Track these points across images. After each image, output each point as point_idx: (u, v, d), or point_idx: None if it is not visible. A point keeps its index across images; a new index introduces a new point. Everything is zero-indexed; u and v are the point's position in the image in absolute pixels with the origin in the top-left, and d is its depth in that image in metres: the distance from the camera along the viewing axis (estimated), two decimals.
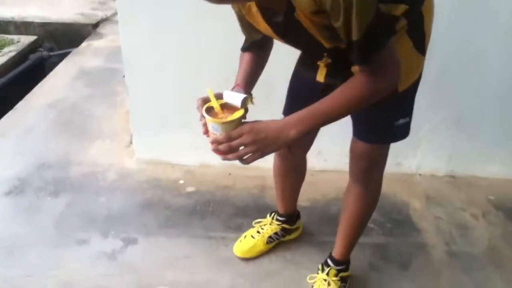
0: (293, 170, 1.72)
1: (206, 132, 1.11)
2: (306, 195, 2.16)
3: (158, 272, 1.77)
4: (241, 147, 1.05)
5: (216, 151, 1.06)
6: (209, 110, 1.09)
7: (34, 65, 3.90)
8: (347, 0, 0.87)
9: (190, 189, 2.25)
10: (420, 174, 2.40)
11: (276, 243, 1.86)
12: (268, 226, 1.84)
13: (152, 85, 2.23)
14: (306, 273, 1.71)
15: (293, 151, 1.56)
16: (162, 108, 2.29)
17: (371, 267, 1.83)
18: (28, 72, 3.77)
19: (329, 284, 1.61)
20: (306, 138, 1.50)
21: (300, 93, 1.41)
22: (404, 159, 2.36)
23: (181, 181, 2.31)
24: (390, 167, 2.36)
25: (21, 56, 3.88)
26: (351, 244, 1.64)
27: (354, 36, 0.92)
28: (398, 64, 1.02)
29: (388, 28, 1.03)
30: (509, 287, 1.76)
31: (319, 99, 1.05)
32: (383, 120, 1.31)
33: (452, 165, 2.37)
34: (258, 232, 1.83)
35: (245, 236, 1.85)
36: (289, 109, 1.46)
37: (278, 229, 1.84)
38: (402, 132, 1.35)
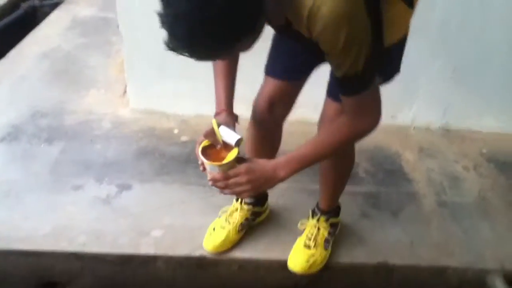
0: (269, 138, 1.60)
1: (204, 169, 1.20)
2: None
3: (153, 216, 1.79)
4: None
5: (214, 186, 1.18)
6: (205, 150, 1.21)
7: (26, 14, 3.80)
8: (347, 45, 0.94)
9: (184, 138, 2.25)
10: (414, 127, 2.41)
11: (246, 230, 1.72)
12: (237, 213, 1.69)
13: (147, 33, 2.18)
14: (299, 218, 1.74)
15: (273, 110, 1.48)
16: (157, 58, 2.25)
17: (362, 214, 1.86)
18: (19, 22, 3.68)
19: (318, 229, 1.64)
20: (289, 98, 1.50)
21: (286, 50, 1.40)
22: (399, 112, 2.36)
23: (176, 131, 2.31)
24: (385, 119, 2.37)
25: (12, 4, 3.78)
26: (334, 197, 1.65)
27: (345, 71, 1.00)
28: (379, 103, 1.10)
29: (378, 65, 1.06)
30: (496, 235, 1.81)
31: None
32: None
33: (447, 118, 2.38)
34: (228, 221, 1.68)
35: (214, 229, 1.68)
36: (272, 66, 1.45)
37: (248, 214, 1.70)
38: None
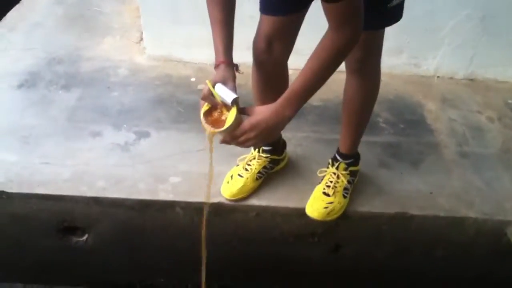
0: (274, 81, 1.51)
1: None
2: (319, 96, 2.10)
3: (171, 163, 1.80)
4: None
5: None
6: (208, 113, 1.22)
7: None
8: None
9: (201, 86, 2.22)
10: (438, 77, 2.34)
11: (264, 178, 1.71)
12: (255, 161, 1.68)
13: None
14: (317, 167, 1.72)
15: (272, 50, 1.42)
16: (173, 3, 2.19)
17: (381, 164, 1.84)
18: None
19: (338, 177, 1.63)
20: (287, 35, 1.43)
21: None
22: (423, 60, 2.29)
23: (193, 79, 2.28)
24: (408, 68, 2.32)
25: None
26: (356, 136, 1.62)
27: None
28: (359, 12, 1.07)
29: None
30: None
31: None
32: (377, 3, 1.24)
33: (472, 67, 2.29)
34: (246, 169, 1.67)
35: (231, 176, 1.68)
36: (266, 3, 1.38)
37: (266, 162, 1.69)
38: (396, 15, 1.31)
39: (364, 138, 1.67)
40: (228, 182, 1.68)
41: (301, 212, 1.62)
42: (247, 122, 1.16)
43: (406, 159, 1.86)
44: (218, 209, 1.67)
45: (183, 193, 1.68)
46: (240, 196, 1.66)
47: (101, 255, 1.81)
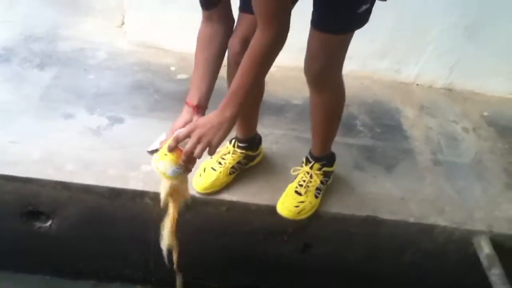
0: None
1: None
2: (300, 94, 2.13)
3: (144, 151, 1.74)
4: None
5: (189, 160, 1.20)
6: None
7: None
8: None
9: (181, 76, 2.19)
10: (417, 84, 2.35)
11: (238, 173, 1.69)
12: (229, 155, 1.66)
13: None
14: (292, 165, 1.70)
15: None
16: None
17: (356, 166, 1.84)
18: None
19: (311, 176, 1.62)
20: None
21: None
22: (405, 66, 2.30)
23: (173, 68, 2.24)
24: (389, 73, 2.34)
25: None
26: (325, 142, 1.62)
27: None
28: (285, 11, 1.12)
29: None
30: (488, 198, 1.79)
31: None
32: (346, 9, 1.24)
33: (452, 77, 2.32)
34: (219, 163, 1.65)
35: (204, 169, 1.65)
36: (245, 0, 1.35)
37: (241, 158, 1.68)
38: (363, 20, 1.29)
39: (340, 139, 1.67)
40: (200, 175, 1.65)
41: (272, 210, 1.60)
42: (190, 124, 1.20)
43: (381, 163, 1.87)
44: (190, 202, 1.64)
45: (154, 182, 1.64)
46: (211, 190, 1.63)
47: (66, 242, 1.76)
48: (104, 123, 1.85)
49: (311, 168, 1.62)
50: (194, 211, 1.65)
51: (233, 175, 1.68)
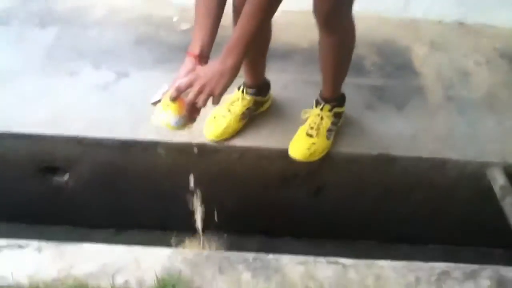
0: None
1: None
2: (306, 38, 2.09)
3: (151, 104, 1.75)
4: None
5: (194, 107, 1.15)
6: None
7: None
8: None
9: (184, 26, 2.15)
10: (426, 20, 2.28)
11: (247, 120, 1.69)
12: (239, 102, 1.65)
13: None
14: (301, 109, 1.69)
15: None
16: None
17: (367, 106, 1.81)
18: None
19: (322, 118, 1.61)
20: None
21: None
22: (413, 1, 2.22)
23: (175, 19, 2.20)
24: (397, 11, 2.26)
25: None
26: (335, 85, 1.60)
27: None
28: None
29: None
30: (501, 130, 1.76)
31: None
32: None
33: (462, 10, 2.24)
34: (229, 110, 1.64)
35: (214, 117, 1.65)
36: None
37: (251, 104, 1.67)
38: None
39: (350, 80, 1.64)
40: (210, 123, 1.65)
41: (284, 153, 1.60)
42: (191, 73, 1.15)
43: (392, 102, 1.84)
44: (201, 150, 1.65)
45: (166, 133, 1.65)
46: (223, 137, 1.64)
47: (83, 196, 1.79)
48: (110, 78, 1.84)
49: (321, 110, 1.61)
50: (206, 159, 1.66)
51: (243, 122, 1.67)
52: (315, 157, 1.59)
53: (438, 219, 1.85)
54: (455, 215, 1.82)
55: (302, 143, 1.58)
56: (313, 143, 1.58)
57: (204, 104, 1.14)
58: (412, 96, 1.88)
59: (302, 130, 1.61)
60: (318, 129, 1.60)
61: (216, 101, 1.15)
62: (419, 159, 1.66)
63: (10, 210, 1.80)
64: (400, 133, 1.72)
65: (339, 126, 1.68)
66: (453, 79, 1.97)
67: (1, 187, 1.77)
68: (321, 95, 1.62)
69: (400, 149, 1.67)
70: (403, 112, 1.81)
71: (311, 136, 1.59)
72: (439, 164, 1.67)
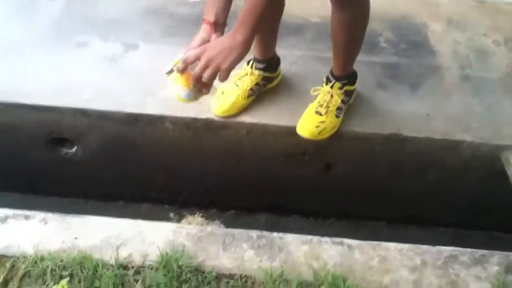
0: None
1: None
2: (317, 12, 2.03)
3: (161, 77, 1.72)
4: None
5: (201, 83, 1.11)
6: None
7: None
8: None
9: None
10: None
11: (255, 96, 1.65)
12: (247, 77, 1.61)
13: None
14: (311, 86, 1.65)
15: None
16: None
17: (379, 85, 1.77)
18: None
19: (332, 96, 1.56)
20: None
21: None
22: None
23: None
24: None
25: None
26: (347, 63, 1.55)
27: None
28: None
29: None
30: None
31: None
32: None
33: None
34: (237, 85, 1.61)
35: (222, 92, 1.61)
36: None
37: (259, 79, 1.63)
38: None
39: (363, 58, 1.60)
40: (218, 98, 1.62)
41: (293, 131, 1.58)
42: (201, 47, 1.10)
43: (405, 81, 1.79)
44: (208, 125, 1.62)
45: (173, 107, 1.63)
46: (230, 113, 1.61)
47: (92, 167, 1.79)
48: (118, 50, 1.82)
49: (331, 87, 1.57)
50: (213, 135, 1.64)
51: (251, 98, 1.64)
52: (324, 136, 1.56)
53: (449, 201, 1.81)
54: (467, 197, 1.79)
55: (310, 121, 1.55)
56: (322, 121, 1.54)
57: (210, 79, 1.09)
58: (426, 75, 1.83)
59: (311, 108, 1.58)
60: (327, 107, 1.56)
61: (223, 77, 1.10)
62: (432, 140, 1.62)
63: (18, 180, 1.81)
64: (412, 113, 1.68)
65: (350, 104, 1.64)
66: (470, 58, 1.91)
67: (10, 158, 1.77)
68: (331, 72, 1.58)
69: (412, 130, 1.63)
70: (416, 91, 1.76)
71: (320, 114, 1.55)
72: (452, 146, 1.63)
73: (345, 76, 1.57)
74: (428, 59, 1.90)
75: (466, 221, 1.87)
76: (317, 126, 1.54)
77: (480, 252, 1.28)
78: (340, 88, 1.57)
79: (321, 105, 1.56)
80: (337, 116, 1.58)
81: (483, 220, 1.85)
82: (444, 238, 1.88)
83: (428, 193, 1.78)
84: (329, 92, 1.57)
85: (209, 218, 1.71)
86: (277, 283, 1.15)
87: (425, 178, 1.73)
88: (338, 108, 1.58)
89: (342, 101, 1.58)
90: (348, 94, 1.60)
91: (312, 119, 1.55)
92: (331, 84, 1.57)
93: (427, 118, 1.67)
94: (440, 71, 1.85)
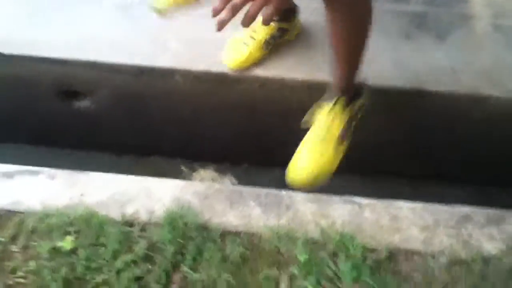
0: None
1: None
2: None
3: (173, 28, 1.66)
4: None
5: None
6: None
7: None
8: None
9: None
10: None
11: (271, 48, 1.55)
12: (262, 28, 1.52)
13: None
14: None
15: None
16: None
17: (404, 35, 1.65)
18: None
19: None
20: None
21: None
22: None
23: None
24: None
25: None
26: (348, 73, 1.33)
27: None
28: None
29: None
30: None
31: None
32: None
33: None
34: (252, 37, 1.52)
35: (235, 44, 1.55)
36: None
37: (275, 30, 1.53)
38: None
39: (387, 6, 1.48)
40: (232, 50, 1.55)
41: (309, 84, 1.51)
42: None
43: (432, 31, 1.67)
44: (221, 79, 1.57)
45: (184, 60, 1.58)
46: (243, 66, 1.54)
47: (104, 120, 1.78)
48: (134, 2, 1.75)
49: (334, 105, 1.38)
50: (226, 88, 1.59)
51: (266, 50, 1.56)
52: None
53: (477, 157, 1.73)
54: (494, 154, 1.69)
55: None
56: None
57: (255, 12, 0.76)
58: (456, 24, 1.69)
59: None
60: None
61: (267, 19, 0.77)
62: (457, 95, 1.52)
63: (29, 132, 1.82)
64: (438, 66, 1.57)
65: (369, 58, 1.52)
66: (505, 7, 1.75)
67: (21, 110, 1.78)
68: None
69: (437, 83, 1.53)
70: (443, 42, 1.64)
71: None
72: (479, 101, 1.53)
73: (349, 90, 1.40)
74: (458, 7, 1.75)
75: (492, 179, 1.79)
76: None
77: (497, 212, 1.21)
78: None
79: None
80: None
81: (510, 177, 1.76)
82: (468, 196, 1.80)
83: (455, 149, 1.70)
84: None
85: (221, 172, 1.68)
86: (282, 241, 1.13)
87: (451, 134, 1.65)
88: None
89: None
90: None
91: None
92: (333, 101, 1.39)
93: (454, 71, 1.56)
94: (471, 20, 1.71)
